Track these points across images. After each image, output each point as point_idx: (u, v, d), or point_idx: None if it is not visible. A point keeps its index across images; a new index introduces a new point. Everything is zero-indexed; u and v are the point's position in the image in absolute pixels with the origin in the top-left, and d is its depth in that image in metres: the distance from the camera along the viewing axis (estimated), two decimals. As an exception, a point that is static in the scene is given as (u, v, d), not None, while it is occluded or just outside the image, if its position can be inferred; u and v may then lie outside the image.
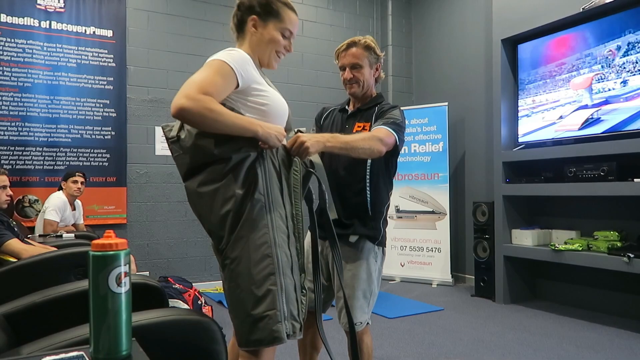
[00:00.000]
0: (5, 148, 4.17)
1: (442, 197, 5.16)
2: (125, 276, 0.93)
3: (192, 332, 1.30)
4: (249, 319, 1.35)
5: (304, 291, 1.49)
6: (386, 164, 1.98)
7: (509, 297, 4.29)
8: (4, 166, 4.07)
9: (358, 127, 1.98)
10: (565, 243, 3.87)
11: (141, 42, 4.74)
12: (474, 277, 4.73)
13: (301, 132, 1.60)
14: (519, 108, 4.37)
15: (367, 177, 1.93)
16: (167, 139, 1.49)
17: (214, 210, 1.39)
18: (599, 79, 3.76)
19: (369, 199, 1.93)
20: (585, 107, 3.85)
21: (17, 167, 4.21)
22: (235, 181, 1.38)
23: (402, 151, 2.10)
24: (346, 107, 2.10)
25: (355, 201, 1.93)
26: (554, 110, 4.08)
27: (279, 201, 1.45)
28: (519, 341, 3.25)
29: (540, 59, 4.20)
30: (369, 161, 1.92)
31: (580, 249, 3.73)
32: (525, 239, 4.18)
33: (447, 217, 5.13)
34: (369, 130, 1.92)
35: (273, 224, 1.41)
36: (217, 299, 4.38)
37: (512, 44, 4.41)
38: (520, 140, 4.36)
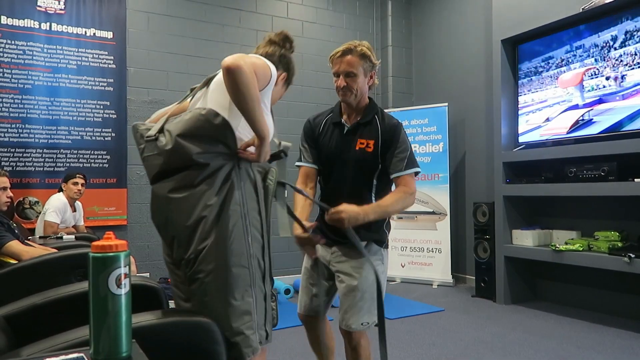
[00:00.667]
0: (5, 150, 4.18)
1: (442, 198, 5.16)
2: (125, 277, 0.93)
3: (192, 333, 1.30)
4: (228, 333, 1.35)
5: (274, 298, 1.52)
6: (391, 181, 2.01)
7: (509, 297, 4.29)
8: (5, 168, 4.07)
9: (361, 144, 1.95)
10: (566, 243, 3.87)
11: (141, 44, 4.74)
12: (474, 277, 4.73)
13: (287, 147, 1.63)
14: (519, 108, 4.38)
15: (373, 193, 1.99)
16: (143, 136, 1.46)
17: (185, 216, 1.36)
18: (591, 75, 3.76)
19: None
20: (576, 107, 3.86)
21: (17, 168, 4.21)
22: (210, 189, 1.36)
23: None
24: (341, 120, 2.02)
25: None
26: (550, 108, 4.08)
27: (255, 211, 1.44)
28: (519, 342, 3.25)
29: (539, 58, 4.20)
30: (375, 181, 1.98)
31: (581, 249, 3.73)
32: (525, 239, 4.17)
33: (448, 217, 5.13)
34: (373, 148, 1.93)
35: (249, 234, 1.41)
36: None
37: (512, 45, 4.41)
38: (520, 140, 4.36)
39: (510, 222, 4.34)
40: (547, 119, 4.11)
